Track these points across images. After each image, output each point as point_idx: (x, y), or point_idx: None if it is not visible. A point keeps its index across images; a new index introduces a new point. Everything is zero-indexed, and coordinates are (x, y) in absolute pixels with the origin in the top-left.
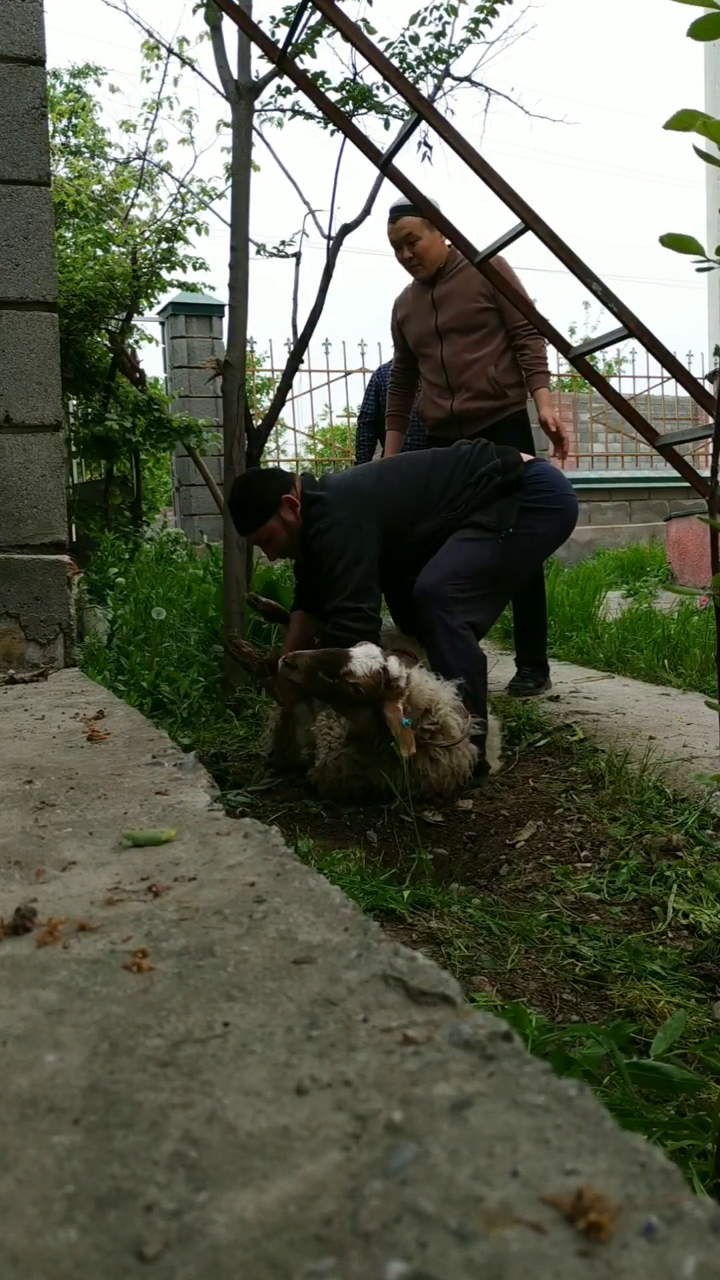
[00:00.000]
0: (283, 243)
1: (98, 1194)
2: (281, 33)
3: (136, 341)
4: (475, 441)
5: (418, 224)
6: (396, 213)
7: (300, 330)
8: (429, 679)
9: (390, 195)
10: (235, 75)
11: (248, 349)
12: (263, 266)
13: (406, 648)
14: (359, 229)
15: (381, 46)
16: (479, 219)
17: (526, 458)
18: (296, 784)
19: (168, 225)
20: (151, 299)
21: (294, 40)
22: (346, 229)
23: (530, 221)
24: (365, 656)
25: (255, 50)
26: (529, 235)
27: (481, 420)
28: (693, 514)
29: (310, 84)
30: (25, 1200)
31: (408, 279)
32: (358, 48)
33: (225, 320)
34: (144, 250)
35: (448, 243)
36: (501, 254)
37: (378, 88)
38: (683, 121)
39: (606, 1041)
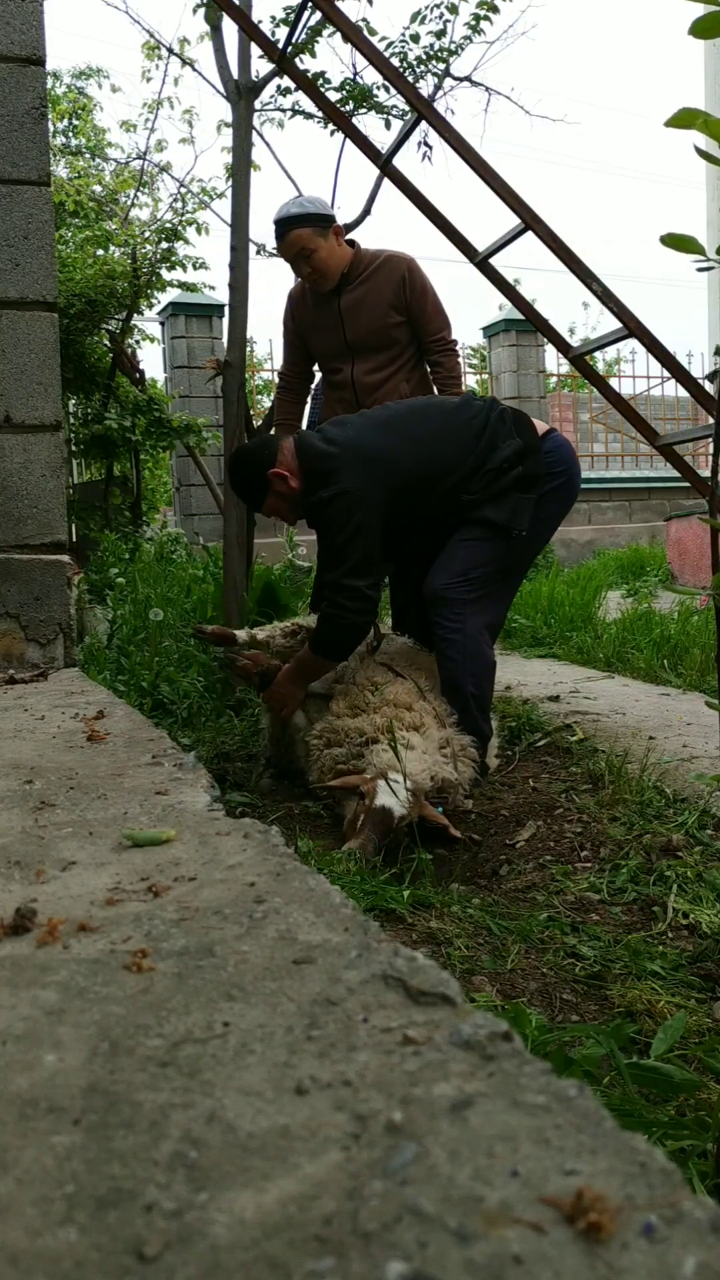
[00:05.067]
0: None
1: (98, 1194)
2: (281, 33)
3: (136, 341)
4: (489, 403)
5: (308, 234)
6: (283, 226)
7: None
8: (427, 756)
9: (391, 195)
10: (235, 75)
11: (248, 349)
12: (263, 266)
13: (424, 668)
14: (359, 229)
15: (381, 46)
16: (479, 219)
17: (541, 428)
18: (296, 784)
19: (168, 225)
20: (151, 299)
21: (294, 40)
22: (346, 229)
23: (530, 221)
24: (390, 794)
25: (255, 50)
26: (529, 235)
27: None
28: (693, 514)
29: (310, 84)
30: (25, 1200)
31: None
32: (358, 48)
33: (225, 320)
34: (144, 250)
35: (345, 243)
36: (423, 269)
37: (378, 88)
38: (683, 120)
39: (606, 1041)
